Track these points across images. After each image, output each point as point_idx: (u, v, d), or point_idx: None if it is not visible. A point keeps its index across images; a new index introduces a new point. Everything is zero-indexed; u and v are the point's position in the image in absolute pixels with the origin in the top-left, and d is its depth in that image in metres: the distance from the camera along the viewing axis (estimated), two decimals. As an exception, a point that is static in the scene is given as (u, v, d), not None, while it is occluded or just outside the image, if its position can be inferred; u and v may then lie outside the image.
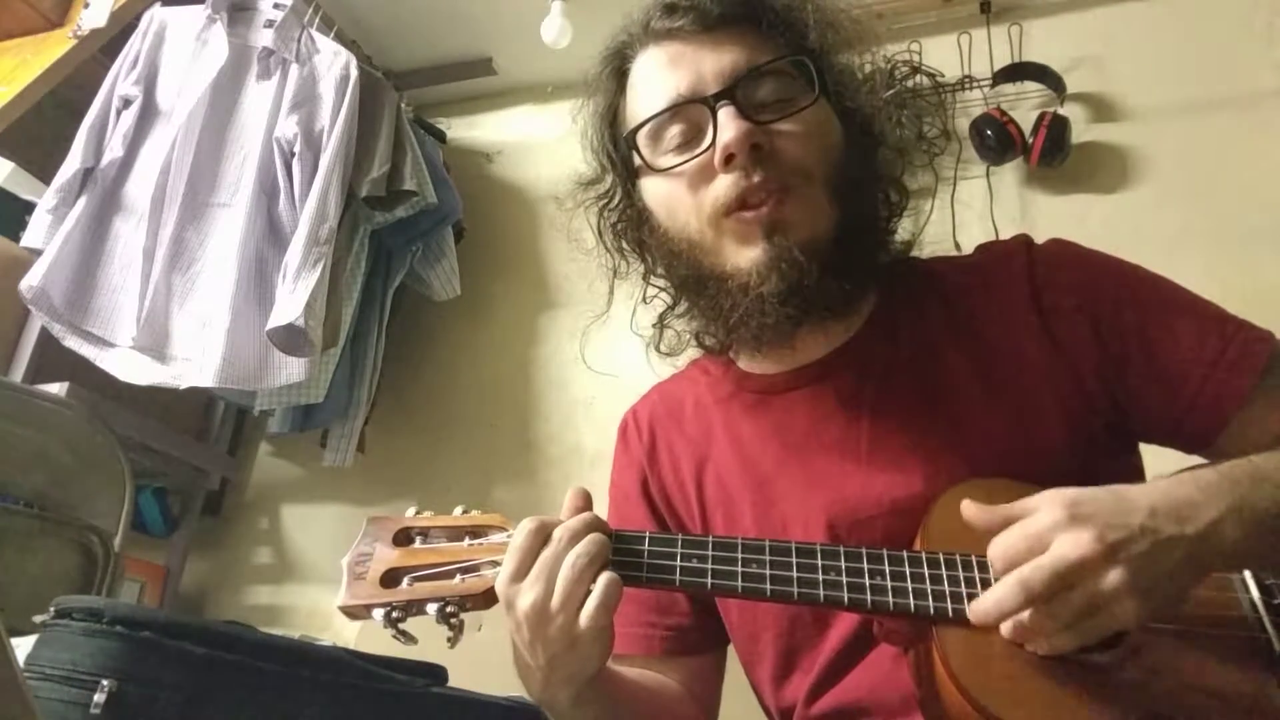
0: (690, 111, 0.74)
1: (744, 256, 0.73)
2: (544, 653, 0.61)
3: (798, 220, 0.72)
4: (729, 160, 0.71)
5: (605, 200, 0.86)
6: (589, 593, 0.60)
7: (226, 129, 1.80)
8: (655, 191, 0.79)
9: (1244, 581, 0.64)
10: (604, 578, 0.60)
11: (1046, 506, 0.58)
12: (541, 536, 0.63)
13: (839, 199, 0.74)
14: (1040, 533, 0.57)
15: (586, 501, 0.66)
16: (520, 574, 0.61)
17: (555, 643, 0.61)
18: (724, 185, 0.72)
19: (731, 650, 0.87)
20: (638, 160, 0.80)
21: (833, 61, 0.78)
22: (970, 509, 0.62)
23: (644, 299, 0.88)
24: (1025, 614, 0.57)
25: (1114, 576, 0.54)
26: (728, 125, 0.71)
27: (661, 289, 0.87)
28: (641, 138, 0.78)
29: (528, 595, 0.60)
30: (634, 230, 0.84)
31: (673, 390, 0.92)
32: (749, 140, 0.70)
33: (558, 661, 0.62)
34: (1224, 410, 0.70)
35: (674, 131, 0.76)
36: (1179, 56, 1.82)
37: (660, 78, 0.77)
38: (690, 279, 0.78)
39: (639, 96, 0.79)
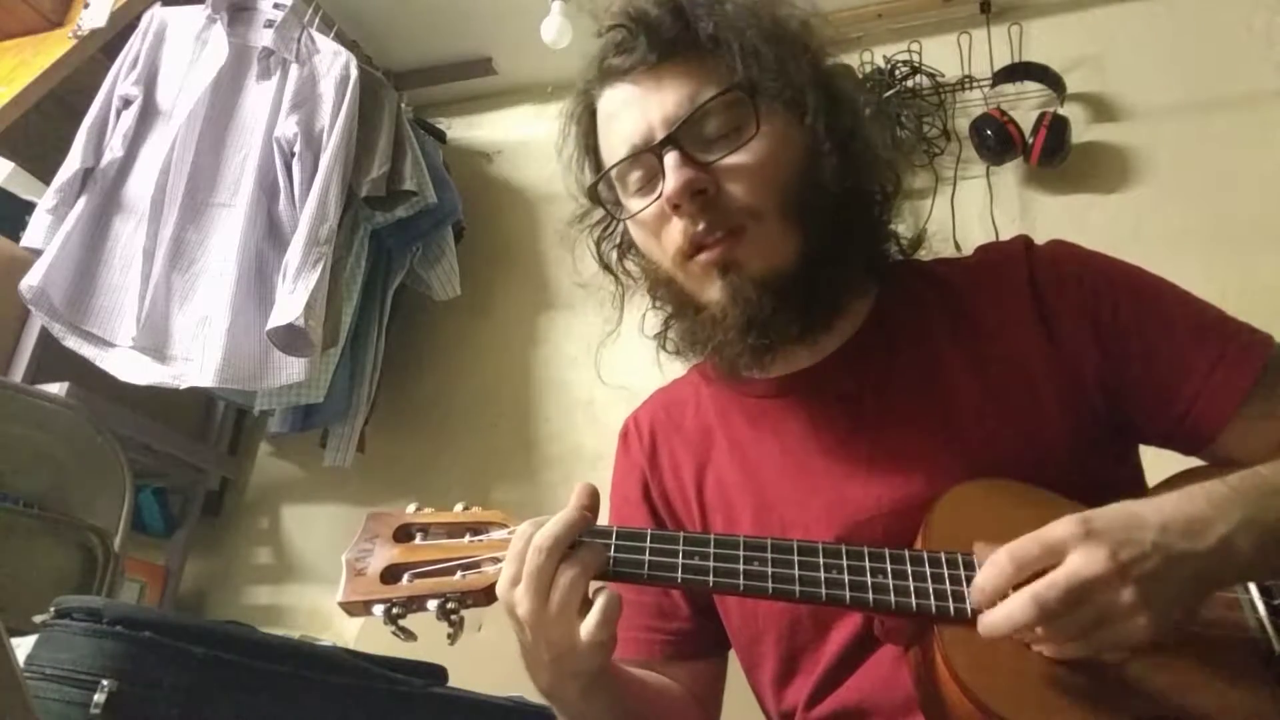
0: (644, 159, 0.76)
1: (708, 293, 0.75)
2: (548, 653, 0.62)
3: (750, 257, 0.73)
4: (676, 209, 0.73)
5: (602, 228, 0.88)
6: (587, 598, 0.61)
7: (226, 129, 1.80)
8: (633, 230, 0.82)
9: (1245, 585, 0.64)
10: (603, 597, 0.61)
11: (1060, 523, 0.58)
12: None
13: (801, 221, 0.74)
14: (1055, 544, 0.57)
15: (593, 500, 0.66)
16: (519, 578, 0.62)
17: (557, 645, 0.61)
18: (676, 231, 0.74)
19: (732, 652, 0.87)
20: (618, 198, 0.82)
21: (780, 74, 0.75)
22: (983, 550, 0.62)
23: (654, 305, 0.89)
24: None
25: (1127, 594, 0.55)
26: (670, 175, 0.72)
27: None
28: (613, 179, 0.80)
29: (522, 604, 0.61)
30: (633, 248, 0.86)
31: (673, 395, 0.93)
32: (690, 189, 0.71)
33: (562, 660, 0.62)
34: (1222, 412, 0.70)
35: (634, 177, 0.77)
36: (1179, 56, 1.82)
37: (616, 124, 0.78)
38: (675, 305, 0.81)
39: (604, 140, 0.81)
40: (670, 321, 0.86)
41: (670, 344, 0.89)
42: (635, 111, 0.76)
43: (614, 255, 0.89)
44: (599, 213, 0.87)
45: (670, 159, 0.72)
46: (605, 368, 1.04)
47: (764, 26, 0.77)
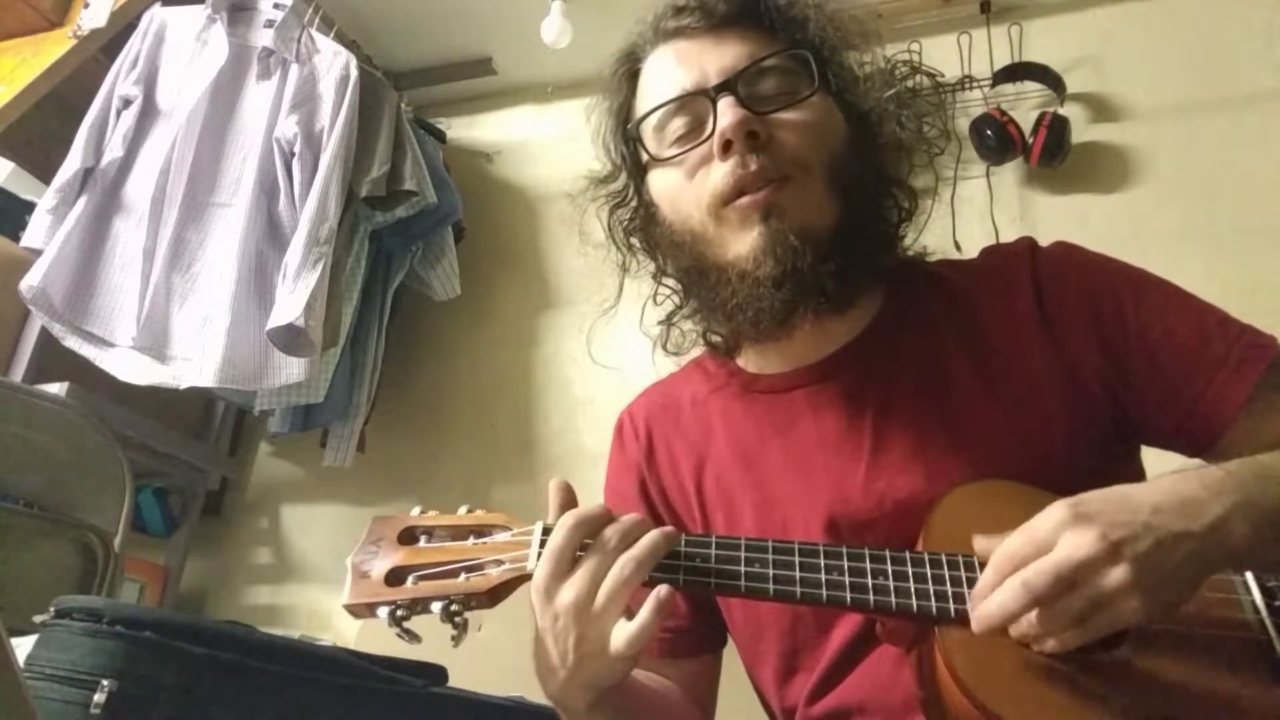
0: (693, 104, 0.76)
1: (743, 242, 0.73)
2: (575, 652, 0.61)
3: (795, 207, 0.72)
4: (726, 147, 0.72)
5: (618, 200, 0.87)
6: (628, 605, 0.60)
7: (226, 129, 1.80)
8: (660, 184, 0.80)
9: (1245, 583, 0.64)
10: (645, 614, 0.59)
11: (1050, 509, 0.58)
12: (583, 532, 0.62)
13: (840, 193, 0.75)
14: (1044, 534, 0.57)
15: (570, 495, 0.66)
16: (561, 570, 0.61)
17: (590, 643, 0.60)
18: (721, 173, 0.73)
19: (731, 650, 0.87)
20: (644, 155, 0.81)
21: (836, 58, 0.80)
22: (981, 542, 0.62)
23: (654, 299, 0.89)
24: (1031, 614, 0.57)
25: (1118, 574, 0.54)
26: (725, 114, 0.73)
27: (671, 290, 0.87)
28: (646, 130, 0.79)
29: (569, 591, 0.60)
30: (644, 229, 0.85)
31: (669, 389, 0.92)
32: (745, 127, 0.72)
33: (586, 663, 0.61)
34: (1226, 413, 0.70)
35: (678, 124, 0.77)
36: (1179, 56, 1.82)
37: (667, 74, 0.79)
38: (693, 269, 0.79)
39: (647, 93, 0.81)
40: (685, 303, 0.85)
41: (674, 336, 0.88)
42: (690, 63, 0.77)
43: (623, 230, 0.87)
44: (619, 180, 0.86)
45: (725, 101, 0.73)
46: (601, 356, 1.04)
47: (825, 12, 0.80)
